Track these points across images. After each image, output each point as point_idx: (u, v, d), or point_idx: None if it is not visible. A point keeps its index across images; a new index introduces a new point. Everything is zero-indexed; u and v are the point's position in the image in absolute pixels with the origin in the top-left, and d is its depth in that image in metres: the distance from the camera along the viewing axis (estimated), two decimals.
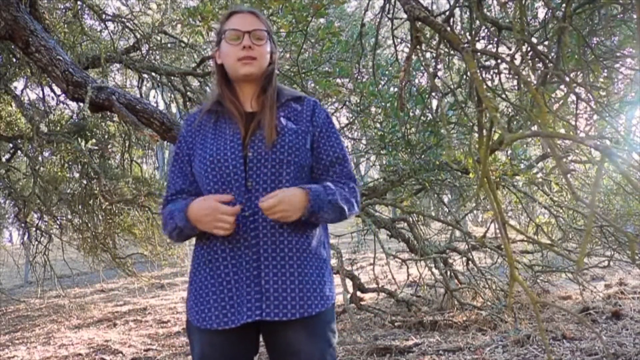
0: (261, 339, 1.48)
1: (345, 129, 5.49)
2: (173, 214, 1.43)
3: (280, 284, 1.35)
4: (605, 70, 2.87)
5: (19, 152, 6.00)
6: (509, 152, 4.26)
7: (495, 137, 3.10)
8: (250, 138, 1.42)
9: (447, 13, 2.03)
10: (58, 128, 5.42)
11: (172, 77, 5.21)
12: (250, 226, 1.37)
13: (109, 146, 5.91)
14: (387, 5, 2.28)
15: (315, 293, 1.38)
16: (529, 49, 1.89)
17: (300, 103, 1.52)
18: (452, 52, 2.64)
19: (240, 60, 1.45)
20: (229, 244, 1.38)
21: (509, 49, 2.99)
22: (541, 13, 3.52)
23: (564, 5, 1.98)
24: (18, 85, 6.22)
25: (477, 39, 2.65)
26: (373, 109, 4.67)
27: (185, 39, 5.54)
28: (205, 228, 1.36)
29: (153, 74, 5.25)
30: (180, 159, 1.52)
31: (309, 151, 1.46)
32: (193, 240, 1.52)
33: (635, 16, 2.45)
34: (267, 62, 1.50)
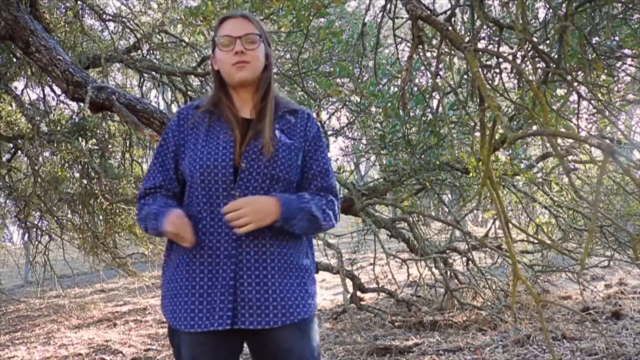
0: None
1: (345, 129, 5.49)
2: (157, 216, 1.40)
3: (262, 293, 1.36)
4: (607, 69, 2.87)
5: (20, 152, 5.99)
6: (509, 151, 4.26)
7: (497, 136, 3.10)
8: (245, 147, 1.41)
9: (449, 12, 2.03)
10: (58, 128, 5.41)
11: (173, 77, 5.21)
12: (232, 237, 1.37)
13: (110, 146, 5.91)
14: (389, 5, 2.28)
15: (297, 302, 1.40)
16: (530, 47, 1.89)
17: (295, 115, 1.52)
18: (453, 51, 2.64)
19: (233, 65, 1.45)
20: (208, 250, 1.38)
21: (511, 48, 2.99)
22: (541, 13, 3.53)
23: (565, 4, 1.98)
24: (18, 85, 6.22)
25: (477, 38, 2.65)
26: (373, 109, 4.67)
27: (186, 39, 5.54)
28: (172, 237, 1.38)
29: (154, 73, 5.25)
30: (164, 152, 1.51)
31: (299, 167, 1.47)
32: None
33: (636, 15, 2.45)
34: (261, 66, 1.49)
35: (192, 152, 1.44)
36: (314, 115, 1.56)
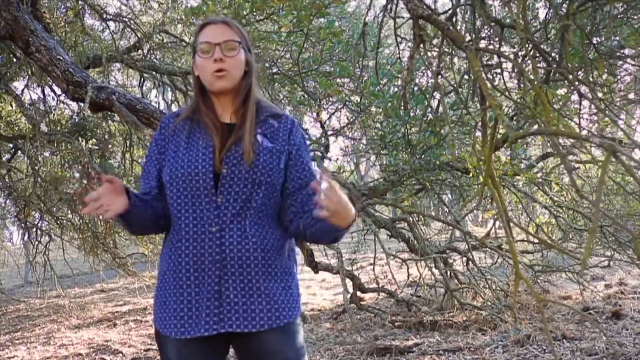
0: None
1: (345, 128, 5.49)
2: None
3: (248, 297, 1.37)
4: (608, 68, 2.87)
5: (20, 152, 5.99)
6: (510, 151, 4.26)
7: (498, 135, 3.10)
8: (225, 153, 1.41)
9: (450, 12, 2.03)
10: (58, 128, 5.41)
11: (174, 77, 5.21)
12: (216, 242, 1.37)
13: (110, 146, 5.90)
14: (390, 4, 2.27)
15: (283, 305, 1.41)
16: (531, 47, 1.89)
17: (278, 120, 1.51)
18: (454, 51, 2.64)
19: (213, 74, 1.44)
20: (193, 257, 1.38)
21: (512, 47, 2.99)
22: (542, 13, 3.53)
23: (566, 3, 1.98)
24: (18, 85, 6.22)
25: (479, 37, 2.65)
26: (373, 109, 4.68)
27: (186, 39, 5.54)
28: None
29: (154, 73, 5.25)
30: (148, 161, 1.52)
31: (282, 171, 1.46)
32: None
33: (637, 15, 2.45)
34: (240, 73, 1.48)
35: (172, 160, 1.44)
36: (297, 124, 1.54)
